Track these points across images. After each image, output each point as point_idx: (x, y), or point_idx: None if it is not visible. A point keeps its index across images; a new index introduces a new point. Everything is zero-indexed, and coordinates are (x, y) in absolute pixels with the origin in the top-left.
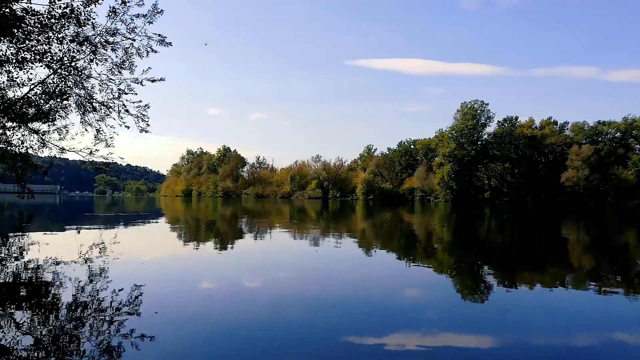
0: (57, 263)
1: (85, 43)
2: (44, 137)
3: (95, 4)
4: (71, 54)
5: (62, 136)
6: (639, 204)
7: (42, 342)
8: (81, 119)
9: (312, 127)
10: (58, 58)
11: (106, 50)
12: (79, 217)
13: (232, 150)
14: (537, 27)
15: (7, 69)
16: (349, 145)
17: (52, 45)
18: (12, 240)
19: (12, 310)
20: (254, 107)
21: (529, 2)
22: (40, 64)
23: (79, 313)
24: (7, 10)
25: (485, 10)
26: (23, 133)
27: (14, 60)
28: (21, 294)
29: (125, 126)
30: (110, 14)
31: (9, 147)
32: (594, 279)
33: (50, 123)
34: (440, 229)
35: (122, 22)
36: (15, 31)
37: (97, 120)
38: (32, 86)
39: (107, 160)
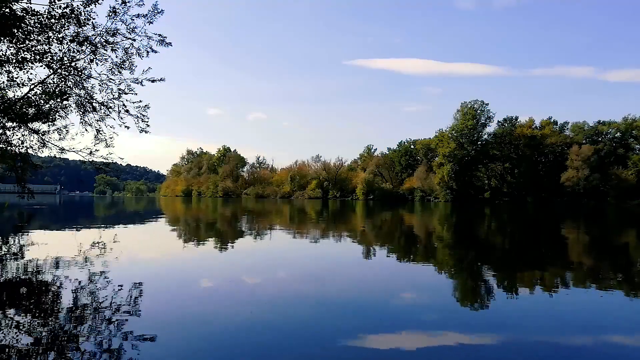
0: (57, 262)
1: (85, 43)
2: (44, 137)
3: (95, 4)
4: (71, 54)
5: (62, 136)
6: (639, 204)
7: (42, 342)
8: (81, 119)
9: (312, 127)
10: (58, 58)
11: (106, 50)
12: (78, 217)
13: (232, 150)
14: (532, 27)
15: (7, 69)
16: (349, 145)
17: (52, 45)
18: (11, 240)
19: (12, 310)
20: (253, 107)
21: (524, 1)
22: (40, 64)
23: (79, 313)
24: (7, 10)
25: (482, 9)
26: (23, 133)
27: (14, 60)
28: (21, 293)
29: (125, 126)
30: (110, 14)
31: (9, 147)
32: (594, 279)
33: (50, 123)
34: (441, 229)
35: (122, 22)
36: (15, 31)
37: (97, 121)
38: (32, 86)
39: (107, 160)
